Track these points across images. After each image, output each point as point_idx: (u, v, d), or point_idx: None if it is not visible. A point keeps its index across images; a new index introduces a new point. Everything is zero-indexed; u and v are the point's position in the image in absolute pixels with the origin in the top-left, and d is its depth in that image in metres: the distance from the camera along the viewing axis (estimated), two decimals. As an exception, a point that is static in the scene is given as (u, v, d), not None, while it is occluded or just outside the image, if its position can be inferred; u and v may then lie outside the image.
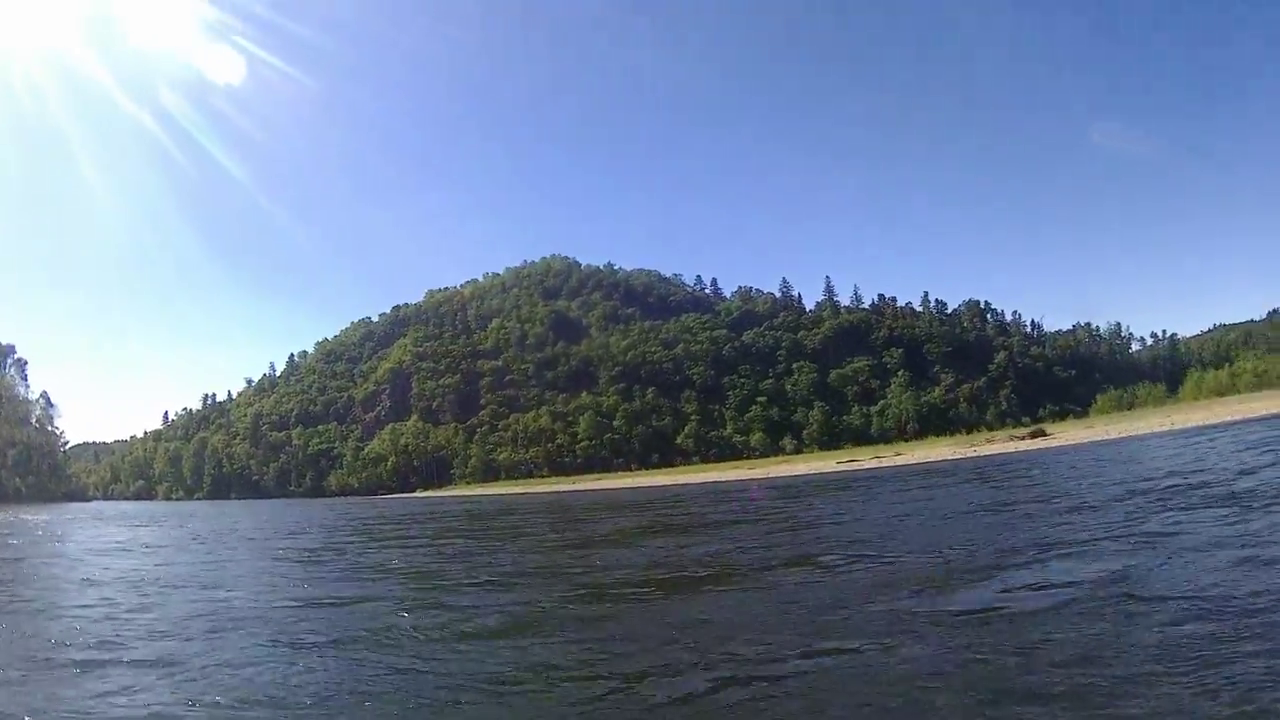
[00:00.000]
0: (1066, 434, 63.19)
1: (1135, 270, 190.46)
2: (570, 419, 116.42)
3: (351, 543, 20.42)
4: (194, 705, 5.08)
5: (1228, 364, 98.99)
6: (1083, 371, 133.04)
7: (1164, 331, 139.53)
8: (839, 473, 54.93)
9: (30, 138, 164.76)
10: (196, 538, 23.75)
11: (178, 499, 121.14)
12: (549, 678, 5.51)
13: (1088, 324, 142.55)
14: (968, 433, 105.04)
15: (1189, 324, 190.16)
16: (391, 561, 14.57)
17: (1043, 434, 66.55)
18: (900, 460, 62.79)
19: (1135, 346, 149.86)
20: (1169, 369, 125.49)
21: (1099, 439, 50.92)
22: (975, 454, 57.25)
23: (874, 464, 63.83)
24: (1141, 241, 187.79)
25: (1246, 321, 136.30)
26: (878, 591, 7.76)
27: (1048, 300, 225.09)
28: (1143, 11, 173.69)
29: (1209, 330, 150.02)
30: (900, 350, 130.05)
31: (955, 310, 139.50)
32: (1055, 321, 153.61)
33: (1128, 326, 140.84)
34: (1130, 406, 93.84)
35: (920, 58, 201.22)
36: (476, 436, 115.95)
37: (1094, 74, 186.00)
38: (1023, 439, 65.10)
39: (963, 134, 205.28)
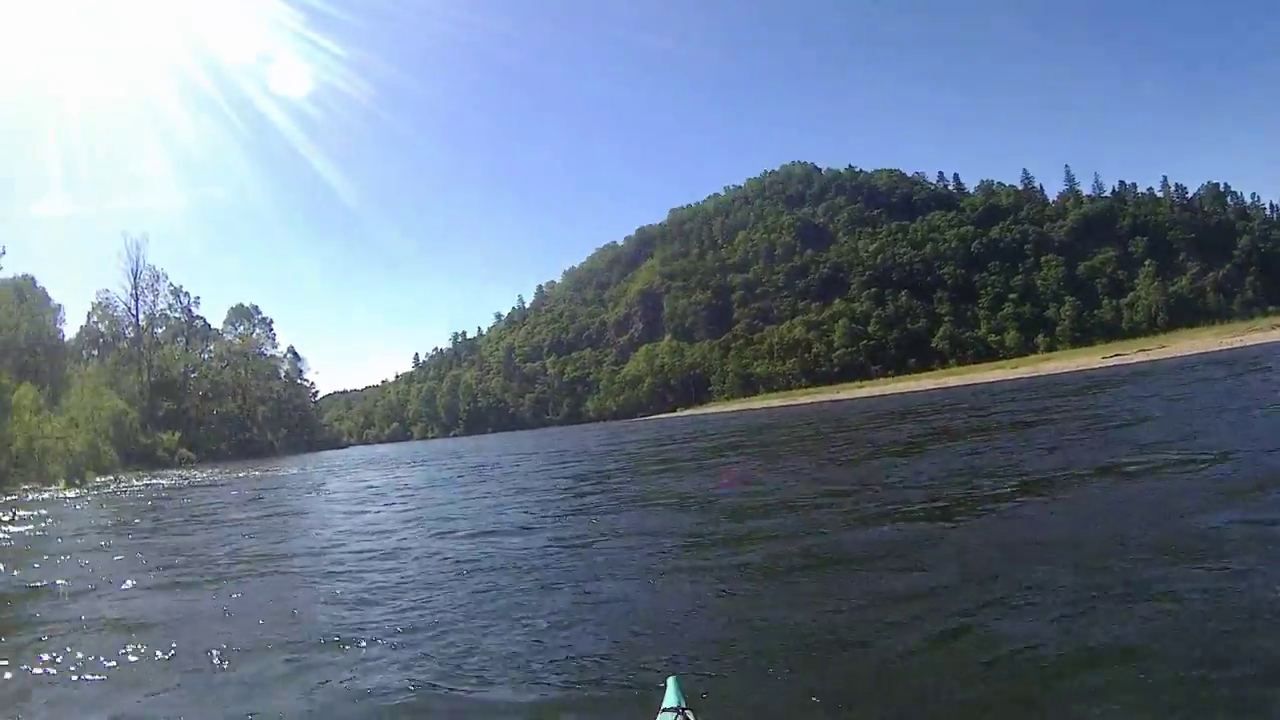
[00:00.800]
0: None
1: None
2: (825, 327, 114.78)
3: (633, 467, 18.88)
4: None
5: None
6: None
7: None
8: (1109, 368, 54.06)
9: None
10: (461, 476, 21.72)
11: (434, 437, 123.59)
12: (893, 618, 4.38)
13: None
14: (1218, 323, 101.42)
15: None
16: (682, 487, 12.93)
17: None
18: (1166, 353, 62.80)
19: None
20: None
21: None
22: (1242, 344, 55.80)
23: (1141, 358, 63.48)
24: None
25: None
26: (1212, 502, 6.43)
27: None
28: None
29: None
30: (1145, 239, 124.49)
31: (1195, 194, 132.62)
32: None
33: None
34: None
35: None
36: (732, 351, 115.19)
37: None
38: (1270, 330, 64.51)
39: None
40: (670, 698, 3.13)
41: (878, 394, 74.04)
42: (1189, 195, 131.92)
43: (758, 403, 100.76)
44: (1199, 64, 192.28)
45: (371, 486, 20.63)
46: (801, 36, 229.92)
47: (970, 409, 26.60)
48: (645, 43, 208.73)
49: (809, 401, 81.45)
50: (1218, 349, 54.21)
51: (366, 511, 13.73)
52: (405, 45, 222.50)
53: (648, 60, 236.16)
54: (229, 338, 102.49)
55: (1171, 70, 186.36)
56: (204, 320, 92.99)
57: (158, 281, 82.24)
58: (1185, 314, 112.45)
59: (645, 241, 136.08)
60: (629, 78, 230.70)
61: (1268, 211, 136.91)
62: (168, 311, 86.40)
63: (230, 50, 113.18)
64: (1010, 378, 64.24)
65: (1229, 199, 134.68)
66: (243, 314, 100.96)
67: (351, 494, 18.89)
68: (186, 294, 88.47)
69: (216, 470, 42.79)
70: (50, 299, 67.61)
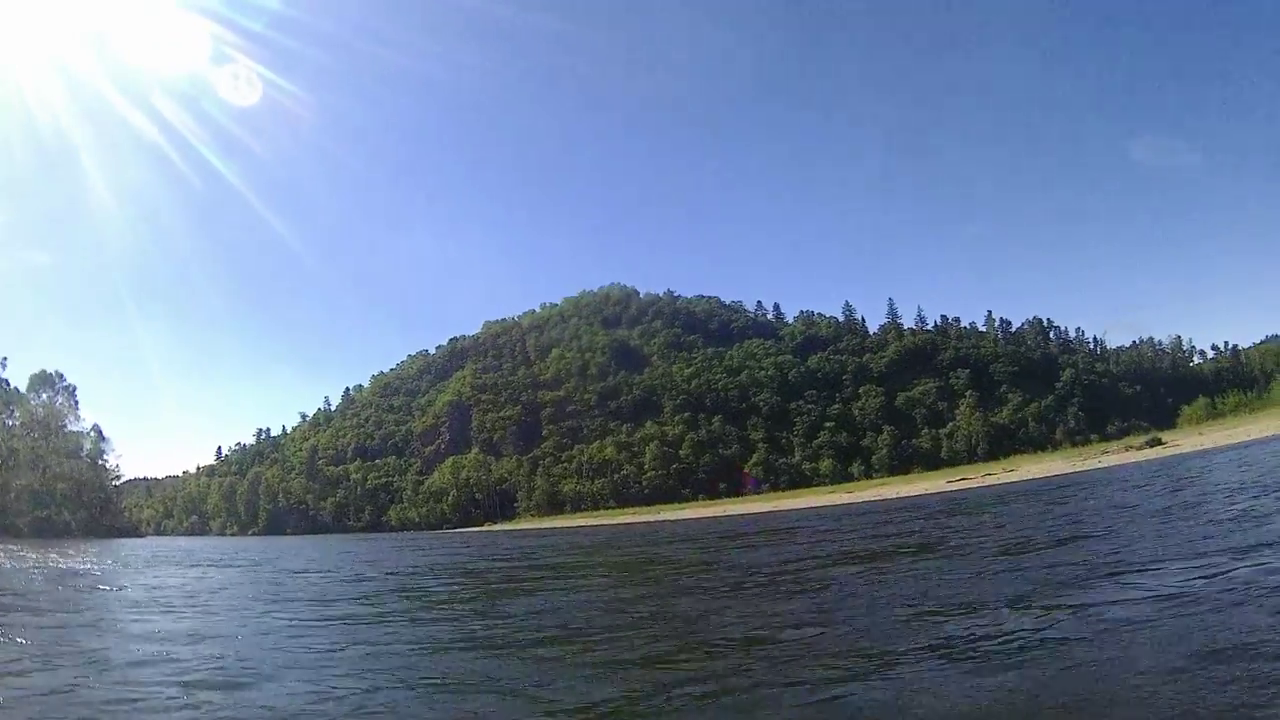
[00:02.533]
0: (1186, 441, 61.86)
1: (1187, 284, 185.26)
2: (635, 449, 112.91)
3: (498, 584, 17.05)
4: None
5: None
6: (1147, 386, 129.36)
7: (1225, 343, 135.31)
8: (954, 492, 53.12)
9: (47, 155, 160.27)
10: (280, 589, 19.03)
11: (232, 534, 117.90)
12: None
13: (1150, 338, 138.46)
14: (1042, 451, 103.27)
15: (1243, 336, 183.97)
16: (569, 608, 11.41)
17: (1159, 443, 66.39)
18: (1014, 477, 61.72)
19: (1195, 359, 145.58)
20: (1233, 380, 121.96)
21: (1227, 444, 49.45)
22: (1097, 465, 55.80)
23: (985, 482, 62.41)
24: (1189, 254, 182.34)
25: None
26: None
27: (1106, 316, 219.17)
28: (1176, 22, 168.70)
29: (1264, 340, 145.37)
30: (967, 371, 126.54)
31: (1019, 328, 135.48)
32: (1115, 338, 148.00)
33: (1189, 339, 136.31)
34: (1222, 415, 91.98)
35: (968, 73, 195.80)
36: (540, 468, 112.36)
37: (1132, 87, 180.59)
38: (1140, 448, 64.70)
39: (1007, 151, 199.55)
40: None
41: (699, 516, 71.81)
42: (1012, 329, 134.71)
43: (566, 521, 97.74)
44: (1024, 204, 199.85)
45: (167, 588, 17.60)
46: (629, 161, 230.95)
47: (829, 532, 25.07)
48: (478, 145, 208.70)
49: (621, 522, 78.06)
50: (1069, 471, 54.68)
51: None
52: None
53: (474, 169, 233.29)
54: (33, 404, 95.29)
55: (997, 209, 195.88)
56: (8, 383, 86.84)
57: None
58: (1006, 443, 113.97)
59: (457, 353, 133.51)
60: (451, 184, 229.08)
61: (1091, 345, 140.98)
62: None
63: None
64: (849, 501, 62.70)
65: (1052, 333, 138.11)
66: (45, 381, 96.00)
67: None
68: None
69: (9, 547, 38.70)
70: None
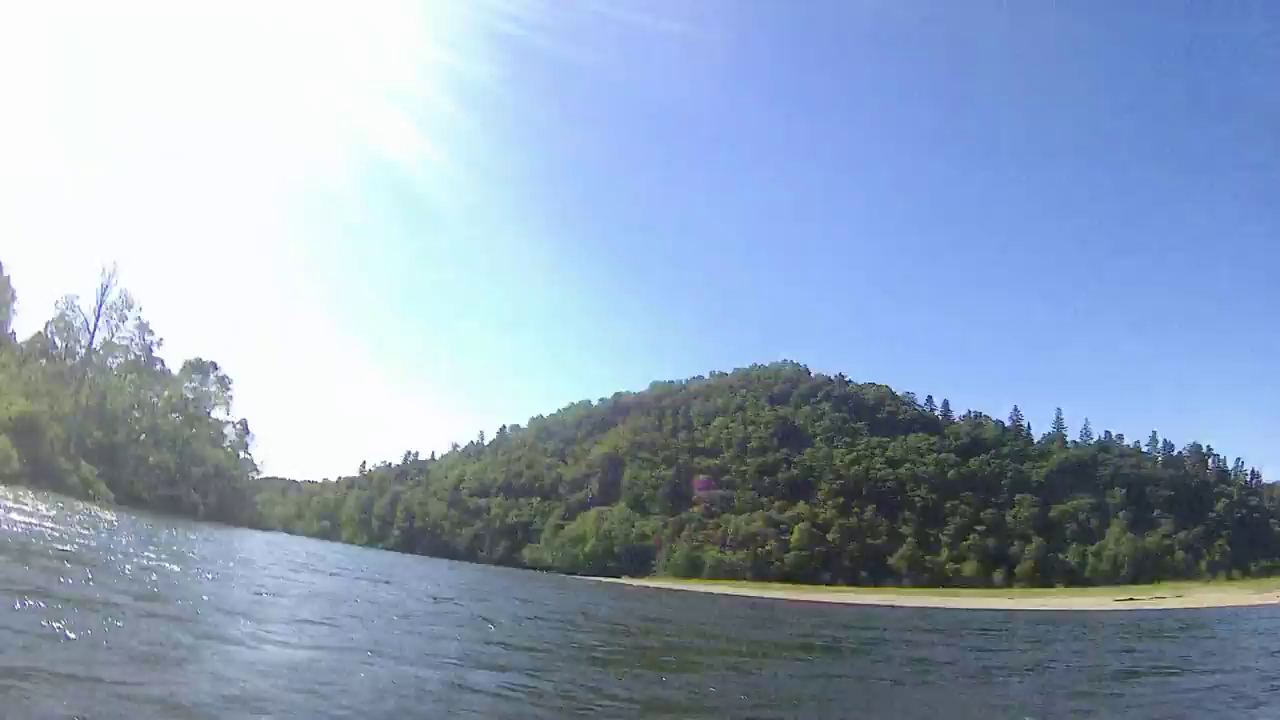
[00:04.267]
0: None
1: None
2: (783, 526, 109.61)
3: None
4: None
5: None
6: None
7: None
8: (1127, 611, 52.86)
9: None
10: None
11: (362, 544, 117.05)
12: None
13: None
14: (1178, 579, 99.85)
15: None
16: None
17: None
18: (1183, 603, 61.58)
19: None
20: None
21: None
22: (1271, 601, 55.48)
23: (1153, 605, 62.04)
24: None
25: None
26: None
27: (1264, 449, 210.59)
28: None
29: None
30: (1122, 490, 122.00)
31: (1180, 453, 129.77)
32: (1272, 473, 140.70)
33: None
34: None
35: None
36: (685, 531, 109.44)
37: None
38: None
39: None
40: None
41: (856, 602, 68.94)
42: (1174, 452, 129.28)
43: (704, 586, 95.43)
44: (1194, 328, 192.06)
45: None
46: (806, 241, 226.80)
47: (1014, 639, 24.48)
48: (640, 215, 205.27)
49: (767, 596, 75.77)
50: (1246, 604, 53.82)
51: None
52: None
53: (631, 234, 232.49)
54: (185, 389, 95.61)
55: (1165, 328, 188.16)
56: (162, 363, 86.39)
57: (127, 308, 76.08)
58: (1150, 569, 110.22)
59: (620, 408, 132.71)
60: (640, 246, 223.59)
61: (1248, 478, 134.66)
62: (128, 343, 79.90)
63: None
64: (1011, 607, 60.79)
65: (1210, 460, 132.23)
66: (198, 367, 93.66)
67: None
68: (151, 331, 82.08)
69: (131, 516, 38.84)
70: (10, 286, 62.09)
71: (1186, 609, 52.11)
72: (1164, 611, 50.18)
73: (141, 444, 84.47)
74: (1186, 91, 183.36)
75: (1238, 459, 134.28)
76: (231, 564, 23.29)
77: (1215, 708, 10.21)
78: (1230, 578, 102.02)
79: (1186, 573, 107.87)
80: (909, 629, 29.55)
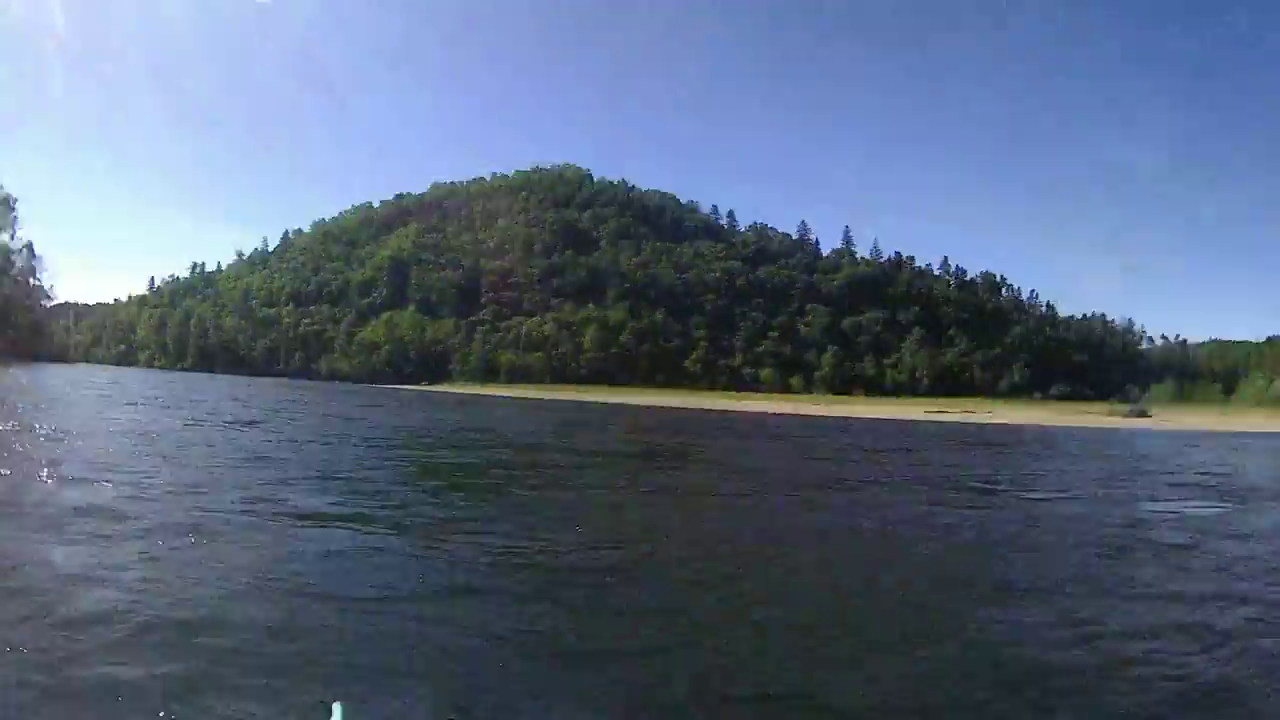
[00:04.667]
0: (1170, 419, 63.08)
1: (1142, 271, 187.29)
2: (575, 329, 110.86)
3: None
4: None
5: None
6: (1095, 359, 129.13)
7: (1176, 335, 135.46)
8: (939, 423, 53.40)
9: None
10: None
11: (160, 367, 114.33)
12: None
13: (1102, 315, 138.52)
14: (980, 396, 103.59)
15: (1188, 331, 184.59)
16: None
17: (1146, 415, 68.52)
18: (994, 419, 62.89)
19: (1142, 345, 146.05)
20: (1178, 372, 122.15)
21: (1223, 429, 49.30)
22: (1082, 424, 56.71)
23: (964, 418, 63.50)
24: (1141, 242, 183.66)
25: (1245, 341, 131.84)
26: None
27: (1058, 285, 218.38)
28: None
29: (1206, 342, 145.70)
30: (916, 309, 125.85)
31: (973, 279, 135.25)
32: (1065, 308, 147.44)
33: (1141, 324, 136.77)
34: (1187, 402, 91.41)
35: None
36: (477, 334, 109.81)
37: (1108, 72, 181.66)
38: (1126, 416, 67.39)
39: (985, 118, 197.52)
40: None
41: (660, 404, 69.70)
42: (966, 278, 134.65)
43: (504, 390, 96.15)
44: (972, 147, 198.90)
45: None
46: (598, 48, 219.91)
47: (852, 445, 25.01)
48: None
49: (571, 399, 76.02)
50: (1054, 424, 55.01)
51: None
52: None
53: (420, 30, 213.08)
54: None
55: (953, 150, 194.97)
56: None
57: None
58: (950, 384, 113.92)
59: (402, 210, 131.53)
60: (421, 41, 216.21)
61: (1043, 310, 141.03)
62: None
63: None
64: (813, 413, 61.70)
65: (1004, 290, 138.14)
66: None
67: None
68: None
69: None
70: None
71: (999, 424, 53.78)
72: (982, 425, 51.60)
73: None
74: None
75: (1032, 290, 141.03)
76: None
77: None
78: (1033, 399, 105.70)
79: (985, 391, 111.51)
80: (742, 434, 30.44)
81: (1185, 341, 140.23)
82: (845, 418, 57.25)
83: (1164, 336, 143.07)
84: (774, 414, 61.01)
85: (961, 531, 9.80)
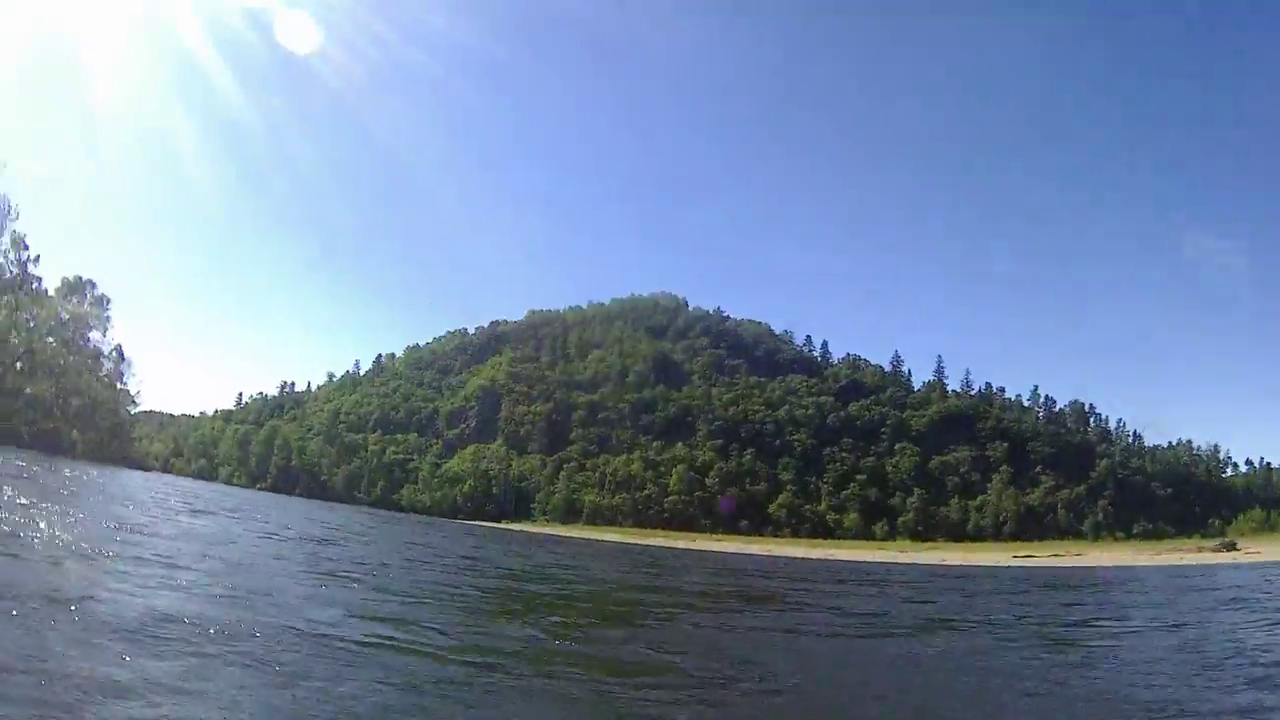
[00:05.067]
0: (1260, 550, 61.85)
1: (1226, 390, 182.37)
2: (662, 469, 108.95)
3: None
4: None
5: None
6: (1179, 491, 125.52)
7: (1261, 459, 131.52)
8: (1027, 568, 53.09)
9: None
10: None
11: (240, 485, 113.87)
12: None
13: (1188, 442, 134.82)
14: (1063, 538, 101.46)
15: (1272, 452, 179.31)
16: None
17: (1234, 548, 65.92)
18: (1082, 561, 62.12)
19: (1227, 471, 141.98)
20: (1263, 498, 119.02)
21: None
22: (1169, 562, 55.95)
23: (1052, 561, 62.31)
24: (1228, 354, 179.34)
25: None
26: None
27: (1144, 411, 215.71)
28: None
29: None
30: (1004, 445, 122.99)
31: (1061, 409, 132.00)
32: (1152, 436, 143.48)
33: (1227, 449, 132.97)
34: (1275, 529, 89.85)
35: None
36: (563, 472, 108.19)
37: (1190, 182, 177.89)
38: (1215, 550, 65.27)
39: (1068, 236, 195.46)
40: None
41: (752, 552, 68.97)
42: (1055, 408, 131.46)
43: (586, 533, 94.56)
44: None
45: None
46: (697, 168, 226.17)
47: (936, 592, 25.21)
48: (540, 129, 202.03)
49: (649, 544, 74.93)
50: (1141, 564, 54.59)
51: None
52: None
53: (533, 150, 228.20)
54: (60, 309, 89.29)
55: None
56: (40, 282, 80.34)
57: (4, 216, 70.86)
58: (1033, 526, 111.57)
59: (497, 337, 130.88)
60: (509, 162, 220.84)
61: (1130, 439, 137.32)
62: (2, 259, 74.90)
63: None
64: (907, 561, 60.60)
65: (1093, 419, 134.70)
66: (76, 287, 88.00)
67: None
68: (28, 246, 76.39)
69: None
70: None
71: (1084, 566, 53.50)
72: (1070, 569, 50.99)
73: (19, 375, 79.90)
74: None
75: (1119, 419, 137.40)
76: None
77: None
78: (1116, 538, 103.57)
79: (1069, 531, 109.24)
80: (831, 581, 29.89)
81: (1270, 465, 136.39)
82: (933, 564, 56.92)
83: (1249, 461, 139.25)
84: (856, 561, 60.15)
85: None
